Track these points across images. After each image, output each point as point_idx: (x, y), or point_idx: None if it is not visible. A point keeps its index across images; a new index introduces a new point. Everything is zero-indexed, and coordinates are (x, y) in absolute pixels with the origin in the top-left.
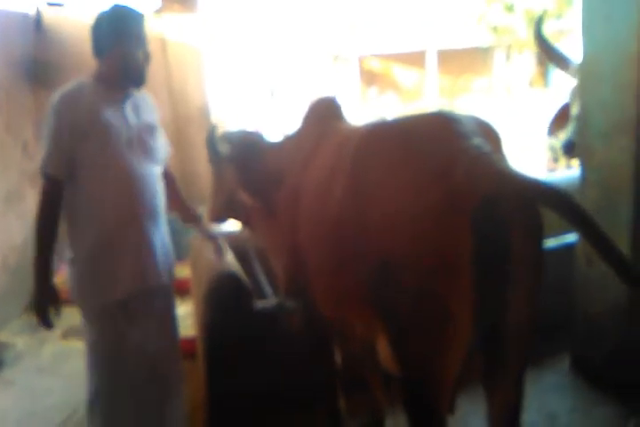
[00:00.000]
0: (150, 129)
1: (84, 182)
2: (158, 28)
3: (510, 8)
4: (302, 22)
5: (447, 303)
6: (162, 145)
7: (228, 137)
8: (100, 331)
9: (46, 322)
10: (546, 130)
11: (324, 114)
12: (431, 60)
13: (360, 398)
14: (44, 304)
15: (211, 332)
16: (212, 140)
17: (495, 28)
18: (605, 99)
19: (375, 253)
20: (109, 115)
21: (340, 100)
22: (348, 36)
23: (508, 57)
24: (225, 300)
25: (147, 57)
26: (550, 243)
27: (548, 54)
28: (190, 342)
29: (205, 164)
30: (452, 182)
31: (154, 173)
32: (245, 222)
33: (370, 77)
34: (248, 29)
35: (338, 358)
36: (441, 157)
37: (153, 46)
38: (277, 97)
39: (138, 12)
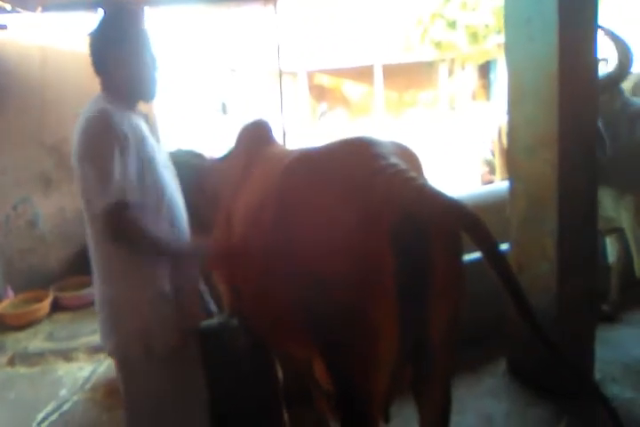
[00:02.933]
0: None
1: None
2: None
3: (452, 24)
4: (251, 38)
5: (373, 317)
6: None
7: (171, 158)
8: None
9: None
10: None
11: (255, 138)
12: (378, 74)
13: (305, 412)
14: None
15: None
16: None
17: (438, 44)
18: (529, 114)
19: (303, 272)
20: (146, 136)
21: (270, 124)
22: (297, 51)
23: (451, 71)
24: None
25: (155, 63)
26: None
27: None
28: None
29: None
30: (370, 200)
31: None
32: None
33: (319, 93)
34: (195, 47)
35: (280, 373)
36: (360, 176)
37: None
38: (228, 113)
39: (138, 13)
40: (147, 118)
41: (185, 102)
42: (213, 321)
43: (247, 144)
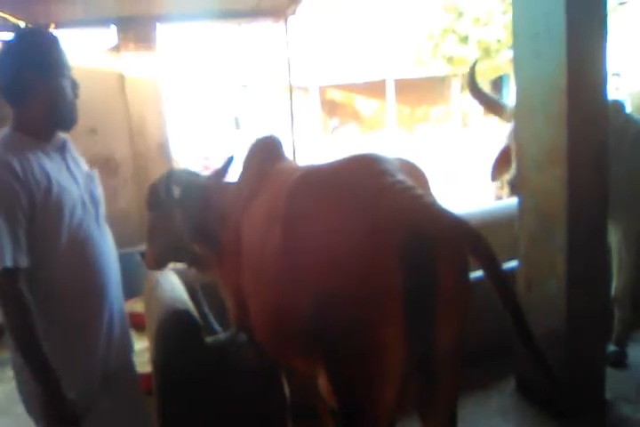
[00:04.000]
0: (91, 177)
1: (45, 267)
2: (116, 65)
3: (464, 39)
4: (262, 54)
5: (379, 334)
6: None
7: (175, 178)
8: None
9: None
10: (489, 174)
11: (264, 154)
12: (390, 90)
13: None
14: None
15: (161, 367)
16: (168, 183)
17: (450, 59)
18: (539, 130)
19: (310, 289)
20: (56, 174)
21: (280, 139)
22: (309, 66)
23: (463, 86)
24: (175, 335)
25: (75, 89)
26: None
27: (482, 101)
28: (147, 377)
29: None
30: (377, 217)
31: (107, 232)
32: (192, 263)
33: (331, 108)
34: (207, 63)
35: (287, 388)
36: (367, 193)
37: (111, 83)
38: (242, 128)
39: (52, 34)
40: (65, 145)
41: (198, 118)
42: (220, 337)
43: (256, 160)
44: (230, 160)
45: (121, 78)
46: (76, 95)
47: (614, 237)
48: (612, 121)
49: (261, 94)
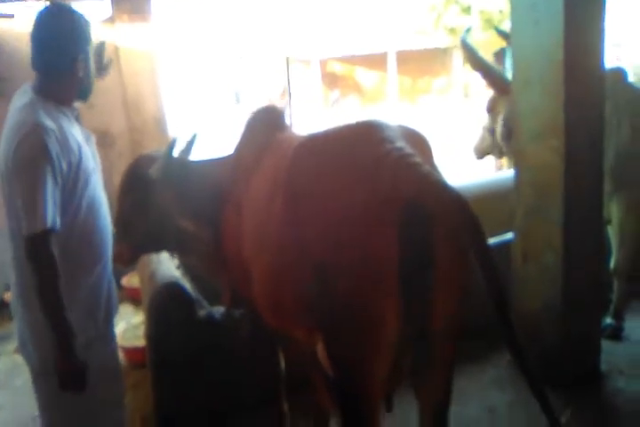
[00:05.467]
0: (92, 140)
1: (75, 224)
2: (110, 36)
3: (467, 10)
4: (262, 26)
5: (376, 306)
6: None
7: (149, 160)
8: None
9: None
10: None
11: (265, 125)
12: (391, 61)
13: (307, 399)
14: (79, 381)
15: (154, 341)
16: (145, 164)
17: (452, 30)
18: (536, 103)
19: (311, 259)
20: (82, 141)
21: (280, 109)
22: (309, 38)
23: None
24: (167, 309)
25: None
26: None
27: (484, 74)
28: (142, 351)
29: None
30: (375, 187)
31: (104, 197)
32: (175, 248)
33: (332, 80)
34: (204, 35)
35: (282, 361)
36: (365, 162)
37: (106, 56)
38: (242, 102)
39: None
40: (77, 114)
41: (198, 92)
42: (213, 310)
43: (257, 131)
44: (194, 137)
45: (116, 50)
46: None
47: (615, 209)
48: (612, 89)
49: (260, 66)
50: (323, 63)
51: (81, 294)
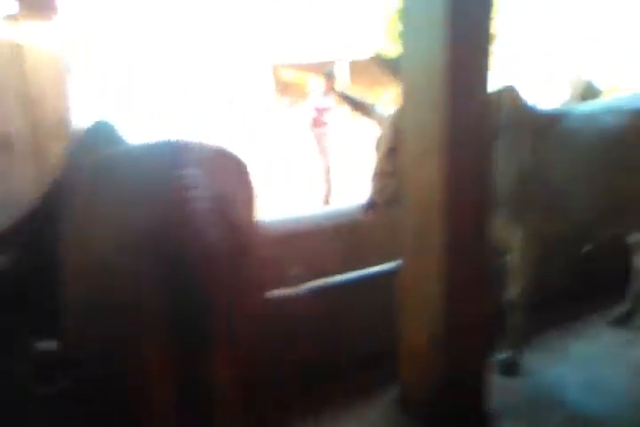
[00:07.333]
0: None
1: None
2: (13, 33)
3: None
4: (214, 28)
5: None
6: None
7: None
8: None
9: None
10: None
11: (96, 141)
12: (343, 71)
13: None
14: None
15: None
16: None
17: None
18: (421, 120)
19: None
20: None
21: (115, 124)
22: (262, 45)
23: None
24: None
25: None
26: (373, 270)
27: (350, 103)
28: None
29: None
30: (146, 208)
31: None
32: None
33: (284, 87)
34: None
35: None
36: (145, 186)
37: (7, 54)
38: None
39: None
40: None
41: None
42: None
43: (87, 147)
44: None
45: (19, 48)
46: None
47: (514, 236)
48: (508, 110)
49: (211, 70)
50: (275, 69)
51: None
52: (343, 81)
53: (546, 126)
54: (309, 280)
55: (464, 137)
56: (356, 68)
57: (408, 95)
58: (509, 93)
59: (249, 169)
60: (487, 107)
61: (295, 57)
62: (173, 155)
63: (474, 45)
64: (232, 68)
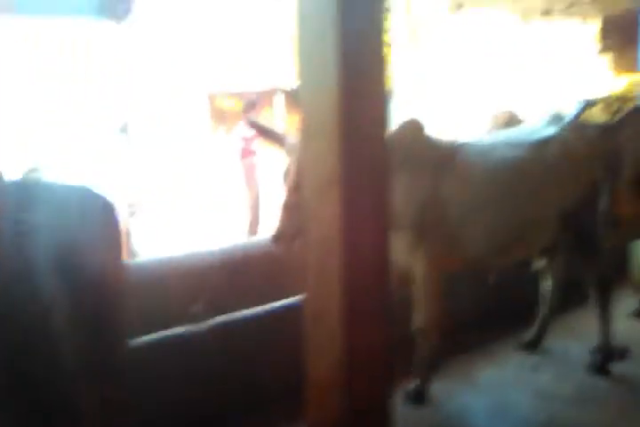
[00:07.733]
0: None
1: None
2: None
3: None
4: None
5: None
6: None
7: None
8: None
9: None
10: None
11: None
12: (279, 99)
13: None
14: None
15: None
16: None
17: None
18: (317, 154)
19: None
20: None
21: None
22: (198, 72)
23: None
24: None
25: None
26: (278, 304)
27: (260, 132)
28: None
29: None
30: None
31: None
32: None
33: (219, 115)
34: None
35: None
36: None
37: None
38: (128, 134)
39: None
40: None
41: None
42: None
43: None
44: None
45: None
46: None
47: (417, 265)
48: (412, 143)
49: (146, 97)
50: (211, 98)
51: None
52: (280, 110)
53: (446, 158)
54: (211, 317)
55: (359, 170)
56: (294, 98)
57: (306, 127)
58: (412, 125)
59: (115, 210)
60: (386, 139)
61: (234, 86)
62: (17, 196)
63: (369, 75)
64: (164, 96)
